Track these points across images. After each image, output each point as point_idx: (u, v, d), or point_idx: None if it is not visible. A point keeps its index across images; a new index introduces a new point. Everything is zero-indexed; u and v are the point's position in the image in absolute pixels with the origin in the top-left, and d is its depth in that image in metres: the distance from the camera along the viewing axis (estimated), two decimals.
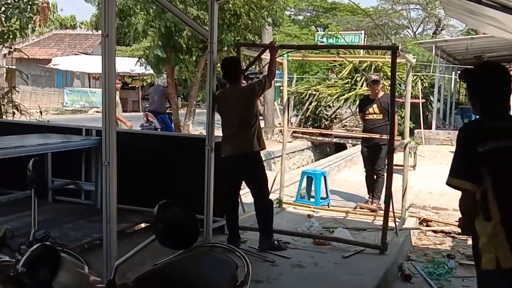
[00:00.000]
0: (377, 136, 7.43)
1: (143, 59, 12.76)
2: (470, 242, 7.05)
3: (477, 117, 2.84)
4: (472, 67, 3.02)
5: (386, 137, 6.59)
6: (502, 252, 2.50)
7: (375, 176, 7.65)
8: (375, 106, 7.55)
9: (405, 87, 7.50)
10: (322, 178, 7.84)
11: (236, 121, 5.15)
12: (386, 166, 6.76)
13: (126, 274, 3.76)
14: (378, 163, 7.50)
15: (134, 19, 11.07)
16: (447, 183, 2.71)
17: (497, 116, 2.69)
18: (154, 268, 2.05)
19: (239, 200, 5.84)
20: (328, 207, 7.75)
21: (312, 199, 7.82)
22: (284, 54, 7.52)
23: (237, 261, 2.35)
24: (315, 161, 15.21)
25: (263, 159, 10.02)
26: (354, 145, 15.58)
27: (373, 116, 7.57)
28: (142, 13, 10.94)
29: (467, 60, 21.10)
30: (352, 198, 8.42)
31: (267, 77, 5.25)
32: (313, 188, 7.85)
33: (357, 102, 16.55)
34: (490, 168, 2.56)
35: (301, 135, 16.83)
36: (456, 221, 3.15)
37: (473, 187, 2.57)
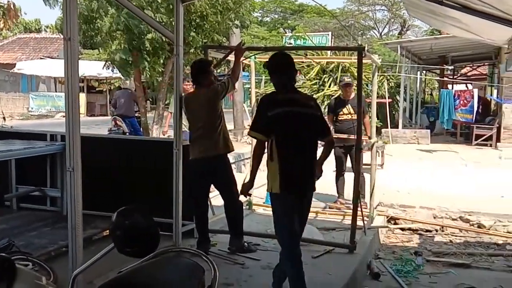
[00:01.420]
0: (353, 136, 7.43)
1: (109, 62, 12.59)
2: (437, 239, 7.23)
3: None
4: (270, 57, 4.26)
5: (363, 137, 6.62)
6: (274, 182, 3.90)
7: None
8: (349, 106, 7.57)
9: (372, 87, 7.58)
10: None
11: (201, 124, 5.14)
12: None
13: (93, 281, 3.71)
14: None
15: (101, 22, 10.92)
16: (248, 134, 4.21)
17: (286, 91, 3.97)
18: (119, 276, 2.00)
19: (209, 203, 5.81)
20: None
21: None
22: (251, 56, 7.53)
23: (204, 265, 2.33)
24: None
25: (233, 161, 10.00)
26: (323, 145, 15.66)
27: (348, 117, 7.55)
28: (108, 15, 10.79)
29: (432, 60, 21.53)
30: (321, 198, 8.46)
31: (230, 79, 5.24)
32: None
33: (326, 103, 16.73)
34: (275, 126, 3.84)
35: None
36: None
37: (263, 138, 3.90)
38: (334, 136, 7.84)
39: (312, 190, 4.16)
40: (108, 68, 13.28)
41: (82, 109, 27.01)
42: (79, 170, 3.44)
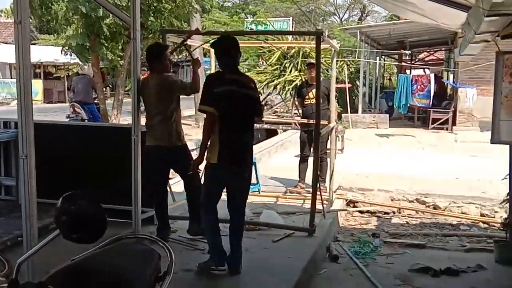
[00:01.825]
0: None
1: (66, 48, 12.29)
2: (394, 220, 7.39)
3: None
4: (217, 38, 4.69)
5: (324, 122, 6.69)
6: (213, 154, 4.25)
7: (319, 160, 7.65)
8: (314, 90, 7.55)
9: (331, 72, 7.64)
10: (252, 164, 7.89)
11: (155, 111, 5.06)
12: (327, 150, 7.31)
13: (50, 270, 3.66)
14: (320, 147, 7.45)
15: (57, 6, 10.64)
16: (199, 109, 4.46)
17: (231, 71, 4.33)
18: (72, 263, 1.98)
19: (169, 189, 5.78)
20: (259, 193, 7.82)
21: None
22: (211, 40, 7.48)
23: (162, 252, 2.32)
24: None
25: (195, 147, 9.93)
26: (285, 130, 15.79)
27: (312, 101, 7.46)
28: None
29: (390, 45, 21.83)
30: (282, 183, 8.55)
31: (191, 86, 5.11)
32: None
33: (287, 88, 16.82)
34: (220, 102, 4.18)
35: None
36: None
37: (214, 111, 4.19)
38: (298, 121, 7.91)
39: (249, 166, 4.59)
40: (66, 54, 12.97)
41: (40, 96, 26.35)
42: (32, 157, 3.36)
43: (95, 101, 12.43)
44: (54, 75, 29.27)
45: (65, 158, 5.76)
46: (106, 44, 10.83)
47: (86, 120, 11.51)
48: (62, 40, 12.64)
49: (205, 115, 4.36)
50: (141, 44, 5.83)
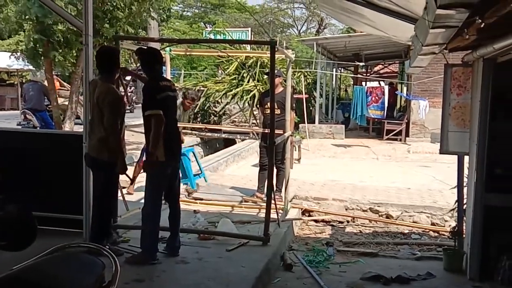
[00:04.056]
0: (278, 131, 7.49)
1: (18, 53, 11.95)
2: (348, 229, 7.47)
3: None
4: (143, 48, 5.20)
5: (280, 132, 6.73)
6: (160, 152, 4.70)
7: (275, 170, 7.65)
8: (280, 99, 7.56)
9: (286, 81, 7.70)
10: (191, 154, 7.86)
11: (91, 116, 4.96)
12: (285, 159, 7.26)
13: None
14: (277, 157, 7.49)
15: (8, 11, 10.34)
16: (148, 114, 4.70)
17: (161, 78, 5.07)
18: (10, 273, 1.90)
19: (122, 199, 5.67)
20: (206, 181, 7.77)
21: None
22: (166, 48, 7.45)
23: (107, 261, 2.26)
24: (205, 156, 15.22)
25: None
26: (242, 140, 15.79)
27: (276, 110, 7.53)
28: (19, 4, 10.20)
29: (346, 57, 22.22)
30: (239, 192, 8.53)
31: (110, 129, 4.75)
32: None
33: (245, 98, 16.85)
34: (162, 106, 4.71)
35: (190, 131, 16.68)
36: None
37: (161, 112, 4.66)
38: (256, 130, 7.96)
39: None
40: (18, 59, 12.60)
41: None
42: None
43: (48, 108, 12.14)
44: (7, 82, 28.43)
45: (16, 166, 5.61)
46: (60, 50, 10.56)
47: (38, 128, 11.22)
48: (15, 46, 12.28)
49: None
50: (95, 51, 5.74)
